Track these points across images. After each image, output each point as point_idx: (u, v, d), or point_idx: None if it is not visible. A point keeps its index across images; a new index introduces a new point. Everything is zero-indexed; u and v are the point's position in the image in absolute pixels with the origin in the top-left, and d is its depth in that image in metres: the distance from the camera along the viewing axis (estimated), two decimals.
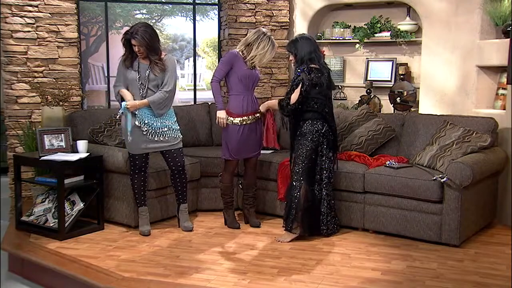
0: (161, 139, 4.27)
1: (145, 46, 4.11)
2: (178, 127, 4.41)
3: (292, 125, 4.30)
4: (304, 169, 4.15)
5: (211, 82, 4.40)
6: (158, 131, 4.25)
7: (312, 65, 4.13)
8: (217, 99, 4.39)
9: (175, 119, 4.40)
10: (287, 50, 4.30)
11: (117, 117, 4.65)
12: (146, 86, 4.22)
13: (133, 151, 4.28)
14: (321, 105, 4.16)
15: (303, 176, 4.15)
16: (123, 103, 4.16)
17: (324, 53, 4.41)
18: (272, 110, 4.50)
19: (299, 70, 4.11)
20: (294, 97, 4.10)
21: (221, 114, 4.37)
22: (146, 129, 4.22)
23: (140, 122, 4.21)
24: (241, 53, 4.37)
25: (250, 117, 4.41)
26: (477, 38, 5.09)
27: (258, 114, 4.46)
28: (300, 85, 4.07)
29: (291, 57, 4.27)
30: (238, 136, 4.38)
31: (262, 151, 4.74)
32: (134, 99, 4.21)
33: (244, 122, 4.39)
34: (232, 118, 4.38)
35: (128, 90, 4.25)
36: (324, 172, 4.23)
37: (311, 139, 4.15)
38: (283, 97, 4.23)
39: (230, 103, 4.42)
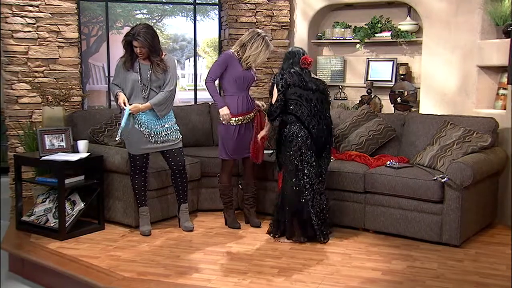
0: (162, 139, 4.28)
1: (147, 47, 4.11)
2: (178, 127, 4.42)
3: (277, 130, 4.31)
4: (289, 175, 4.12)
5: (205, 82, 4.40)
6: (159, 134, 4.27)
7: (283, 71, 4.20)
8: (216, 98, 4.39)
9: (175, 119, 4.41)
10: None
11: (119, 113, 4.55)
12: (149, 87, 4.22)
13: (133, 151, 4.28)
14: (297, 106, 4.09)
15: (290, 183, 4.11)
16: (126, 108, 4.15)
17: (311, 61, 4.30)
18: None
19: (272, 78, 4.20)
20: (274, 97, 4.13)
21: (224, 111, 4.36)
22: (147, 132, 4.22)
23: (141, 126, 4.21)
24: (236, 54, 4.39)
25: (245, 116, 4.43)
26: (477, 38, 5.08)
27: (253, 114, 4.48)
28: (275, 86, 4.11)
29: None
30: (235, 135, 4.41)
31: None
32: (137, 101, 4.21)
33: (240, 122, 4.41)
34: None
35: (123, 91, 4.23)
36: (305, 178, 4.10)
37: (290, 143, 4.10)
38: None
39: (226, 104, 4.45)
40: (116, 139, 4.19)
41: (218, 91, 4.47)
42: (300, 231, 4.16)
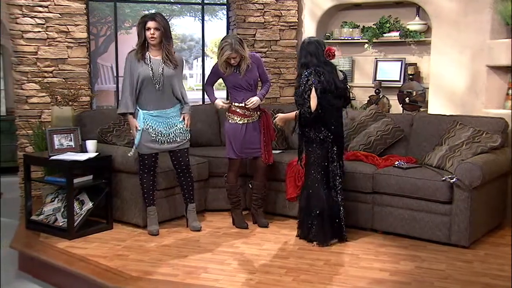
0: (170, 140, 4.30)
1: (162, 28, 4.19)
2: (186, 128, 4.43)
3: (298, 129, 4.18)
4: (318, 177, 4.07)
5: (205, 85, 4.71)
6: (167, 135, 4.28)
7: (319, 68, 3.97)
8: (210, 95, 4.60)
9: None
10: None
11: (130, 154, 4.41)
12: (162, 81, 4.24)
13: (142, 150, 4.30)
14: (327, 114, 3.99)
15: (319, 184, 4.07)
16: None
17: (334, 51, 4.11)
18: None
19: (306, 74, 3.97)
20: (314, 103, 3.93)
21: (217, 102, 4.54)
22: (154, 134, 4.24)
23: (150, 129, 4.23)
24: None
25: (252, 116, 4.47)
26: (487, 37, 5.05)
27: (258, 114, 4.52)
28: (313, 90, 3.92)
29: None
30: (242, 134, 4.44)
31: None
32: (148, 94, 4.22)
33: (246, 121, 4.45)
34: (235, 114, 4.46)
35: (132, 86, 4.24)
36: (337, 178, 4.12)
37: (319, 145, 4.05)
38: (301, 110, 3.99)
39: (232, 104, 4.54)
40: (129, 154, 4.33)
41: (213, 90, 4.61)
42: (331, 232, 4.12)
